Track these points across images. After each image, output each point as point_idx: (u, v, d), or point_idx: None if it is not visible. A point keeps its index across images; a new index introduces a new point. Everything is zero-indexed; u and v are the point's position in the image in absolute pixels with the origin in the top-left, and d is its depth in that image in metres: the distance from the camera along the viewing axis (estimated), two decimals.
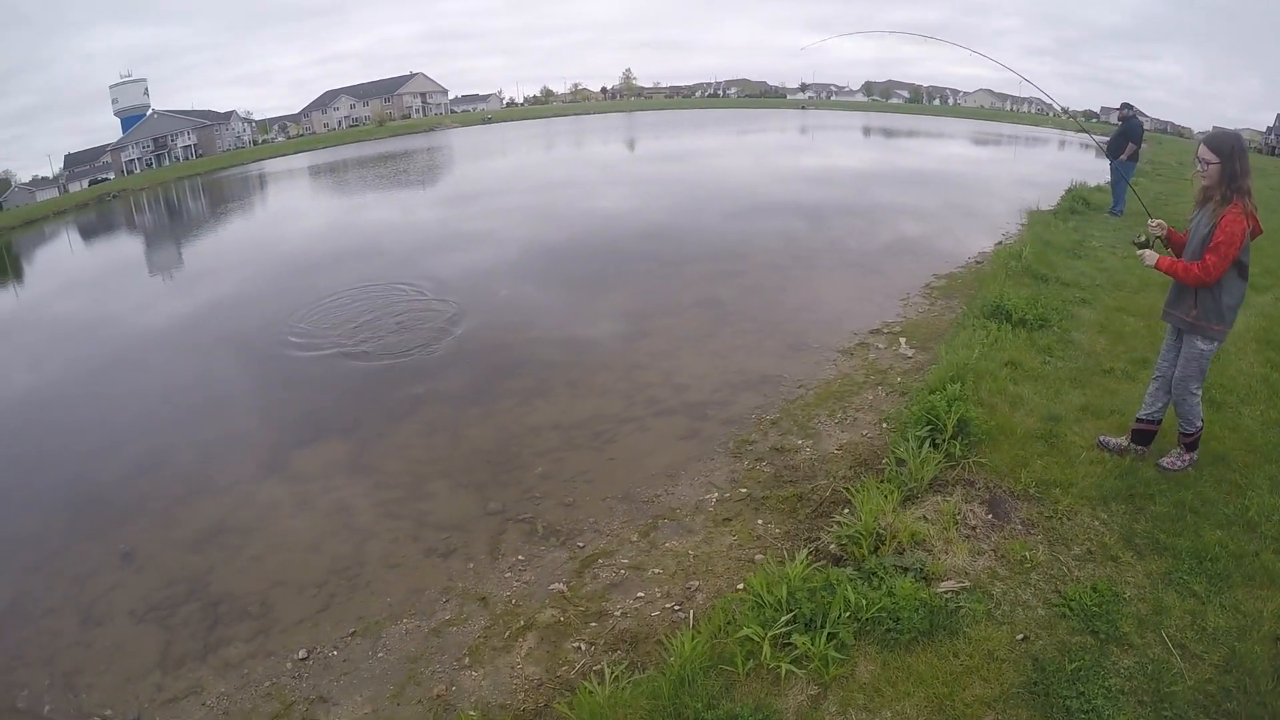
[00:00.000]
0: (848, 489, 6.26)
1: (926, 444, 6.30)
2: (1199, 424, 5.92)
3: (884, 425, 7.73)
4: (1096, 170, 23.65)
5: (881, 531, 5.40)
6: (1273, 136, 64.78)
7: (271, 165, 63.94)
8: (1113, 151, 17.61)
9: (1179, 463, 6.07)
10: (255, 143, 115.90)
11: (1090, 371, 8.11)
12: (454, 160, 51.60)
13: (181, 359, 12.35)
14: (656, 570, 5.87)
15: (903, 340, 10.19)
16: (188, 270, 22.05)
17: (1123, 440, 6.36)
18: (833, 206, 22.36)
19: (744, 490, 6.95)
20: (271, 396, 10.17)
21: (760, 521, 6.40)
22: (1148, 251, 5.59)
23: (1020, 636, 4.46)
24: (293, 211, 32.69)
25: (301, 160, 65.04)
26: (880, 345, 10.19)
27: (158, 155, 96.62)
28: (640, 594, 5.64)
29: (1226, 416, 6.92)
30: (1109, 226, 16.52)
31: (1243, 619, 4.37)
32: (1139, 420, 6.22)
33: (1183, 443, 6.07)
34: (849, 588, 4.70)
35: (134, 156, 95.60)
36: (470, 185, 35.09)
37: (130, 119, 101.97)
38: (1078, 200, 19.02)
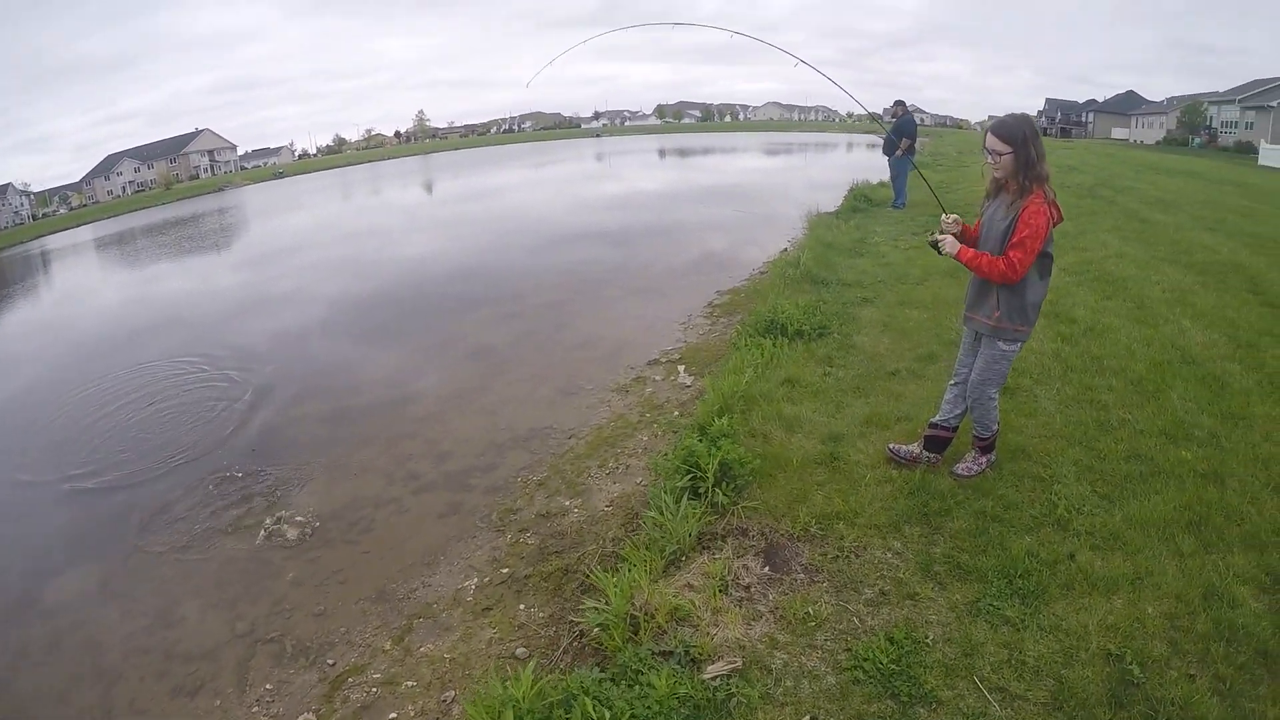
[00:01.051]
0: (617, 554, 5.51)
1: (686, 497, 5.39)
2: (995, 427, 5.36)
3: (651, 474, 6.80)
4: (881, 167, 23.87)
5: (637, 613, 4.45)
6: (1043, 119, 69.06)
7: (54, 241, 59.05)
8: (889, 148, 17.78)
9: (975, 467, 5.47)
10: (35, 217, 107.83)
11: (874, 376, 7.45)
12: (249, 219, 48.76)
13: None
14: (410, 683, 5.00)
15: (681, 368, 9.33)
16: None
17: (914, 447, 5.68)
18: (635, 229, 21.81)
19: (505, 570, 6.03)
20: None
21: (523, 606, 5.52)
22: (949, 238, 4.90)
23: (807, 718, 3.65)
24: (80, 290, 29.63)
25: (86, 233, 60.43)
26: (657, 377, 9.30)
27: None
28: (393, 715, 4.77)
29: (1021, 402, 6.42)
30: (891, 220, 16.44)
31: (1066, 640, 3.88)
32: (933, 425, 5.55)
33: (977, 446, 5.47)
34: (589, 700, 3.70)
35: None
36: (269, 244, 32.86)
37: None
38: (860, 199, 19.03)
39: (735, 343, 8.84)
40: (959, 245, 4.80)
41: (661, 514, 5.26)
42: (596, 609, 4.66)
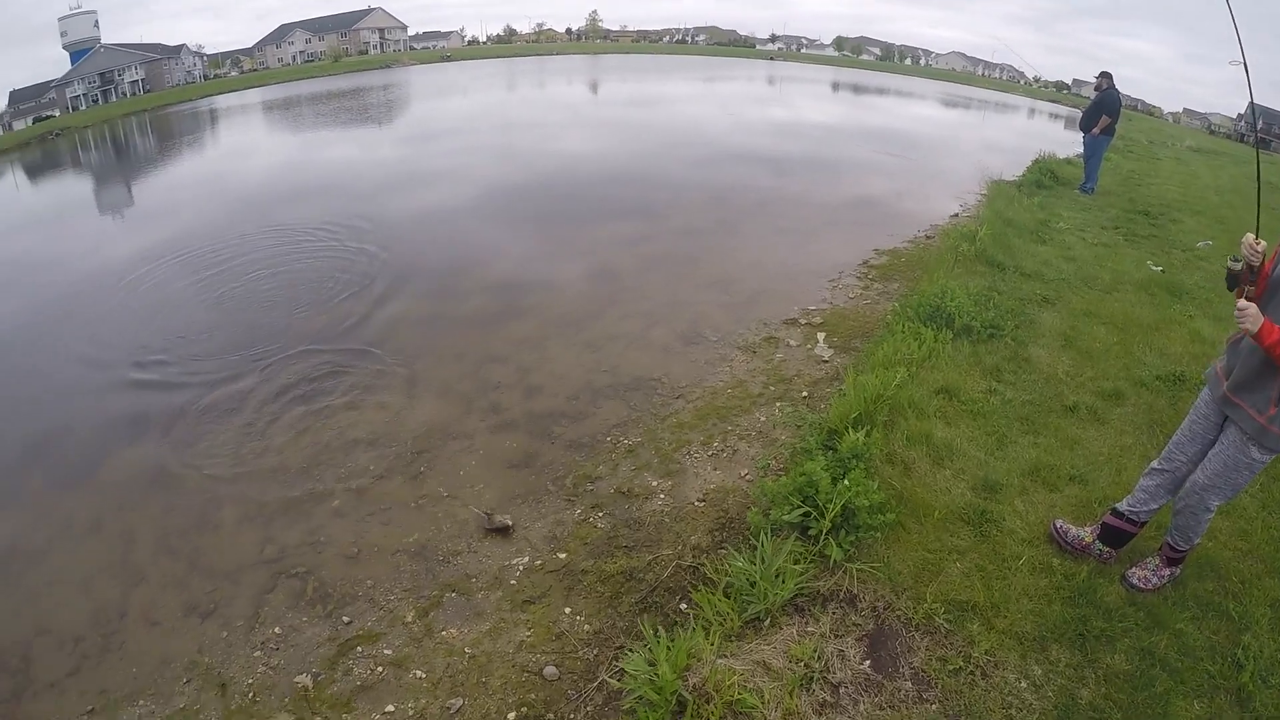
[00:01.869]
0: (695, 570, 4.67)
1: (792, 539, 4.37)
2: (1198, 541, 4.17)
3: (769, 461, 5.83)
4: (1066, 142, 21.46)
5: (688, 694, 3.54)
6: (1243, 124, 63.25)
7: (223, 100, 60.43)
8: (1086, 123, 15.61)
9: (1156, 580, 4.29)
10: (206, 77, 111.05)
11: (1047, 407, 6.18)
12: (411, 98, 48.76)
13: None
14: (419, 673, 4.28)
15: (821, 336, 8.12)
16: (132, 211, 19.59)
17: (1086, 533, 4.50)
18: (795, 159, 20.14)
19: (563, 556, 5.15)
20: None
21: (568, 610, 4.66)
22: (1250, 309, 3.42)
23: None
24: (243, 149, 30.28)
25: (254, 96, 61.79)
26: (792, 341, 8.11)
27: (104, 91, 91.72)
28: (390, 708, 4.09)
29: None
30: (1078, 205, 14.42)
31: None
32: (1117, 515, 4.36)
33: (1166, 555, 4.27)
34: None
35: (80, 92, 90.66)
36: (426, 124, 32.62)
37: (79, 53, 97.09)
38: (1045, 173, 16.82)
39: (890, 325, 7.57)
40: (1263, 319, 3.39)
41: (752, 562, 4.20)
42: (638, 670, 3.71)
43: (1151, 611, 4.09)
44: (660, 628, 3.93)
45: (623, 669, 3.83)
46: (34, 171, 32.40)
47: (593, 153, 21.07)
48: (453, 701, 4.06)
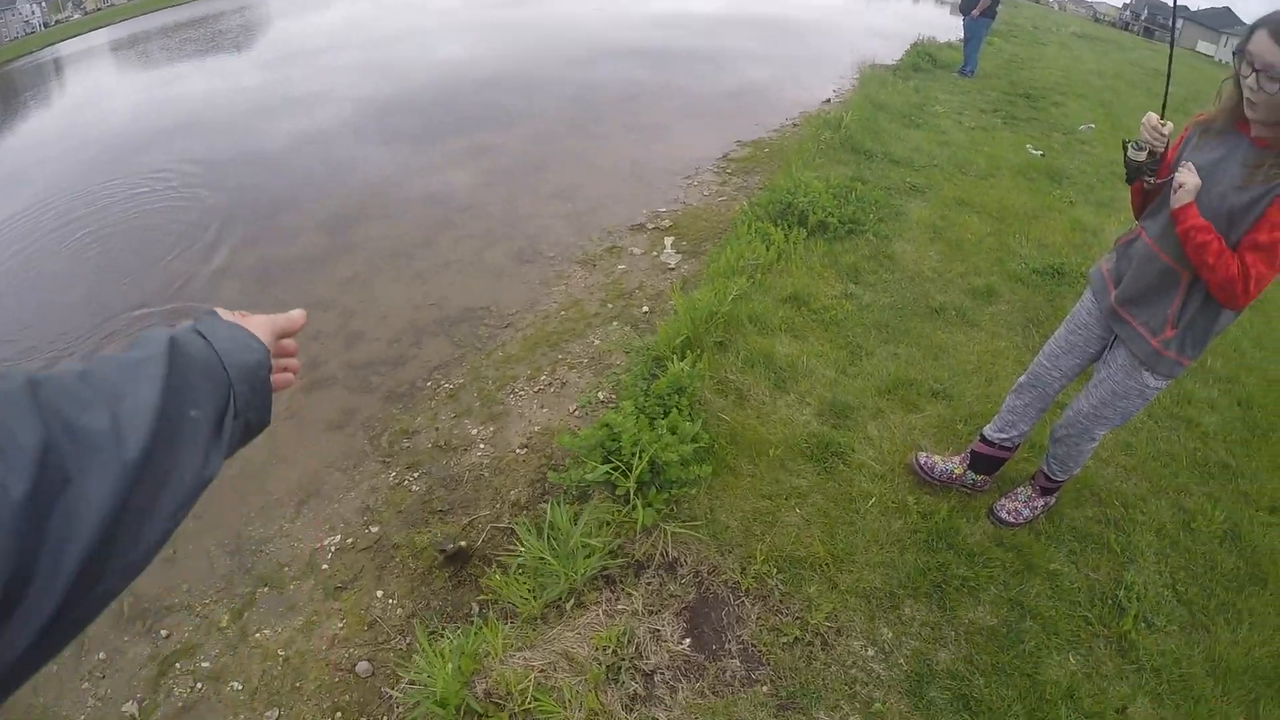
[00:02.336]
0: (512, 533, 3.99)
1: (598, 500, 3.68)
2: (1076, 471, 3.55)
3: (599, 393, 5.06)
4: (949, 27, 20.73)
5: (479, 703, 2.90)
6: (1128, 13, 63.46)
7: (67, 48, 56.21)
8: (966, 5, 14.92)
9: (1027, 511, 3.69)
10: (47, 25, 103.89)
11: (911, 310, 5.50)
12: (271, 18, 45.84)
13: None
14: (236, 684, 3.84)
15: (668, 241, 7.28)
16: None
17: (954, 465, 3.86)
18: (671, 52, 18.88)
19: (375, 529, 4.51)
20: None
21: (380, 594, 4.12)
22: (1188, 179, 2.63)
23: None
24: (90, 98, 27.95)
25: (100, 37, 57.61)
26: (636, 249, 7.25)
27: None
28: None
29: None
30: (957, 89, 13.75)
31: None
32: (987, 442, 3.73)
33: (1039, 484, 3.67)
34: None
35: None
36: (290, 46, 30.30)
37: None
38: (923, 56, 16.07)
39: (736, 226, 6.72)
40: (1191, 199, 2.63)
41: (546, 539, 3.42)
42: (420, 679, 3.02)
43: (1022, 551, 3.50)
44: (443, 626, 3.46)
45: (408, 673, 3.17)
46: None
47: (461, 59, 19.66)
48: (269, 713, 3.64)
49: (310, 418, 5.67)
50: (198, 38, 38.49)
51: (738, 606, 3.28)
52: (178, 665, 4.03)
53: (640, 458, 3.40)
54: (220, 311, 1.02)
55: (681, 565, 3.44)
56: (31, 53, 63.03)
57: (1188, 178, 2.60)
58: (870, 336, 5.04)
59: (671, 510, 3.61)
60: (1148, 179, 2.84)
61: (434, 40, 24.23)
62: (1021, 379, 3.53)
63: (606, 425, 3.57)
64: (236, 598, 4.35)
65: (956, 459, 3.84)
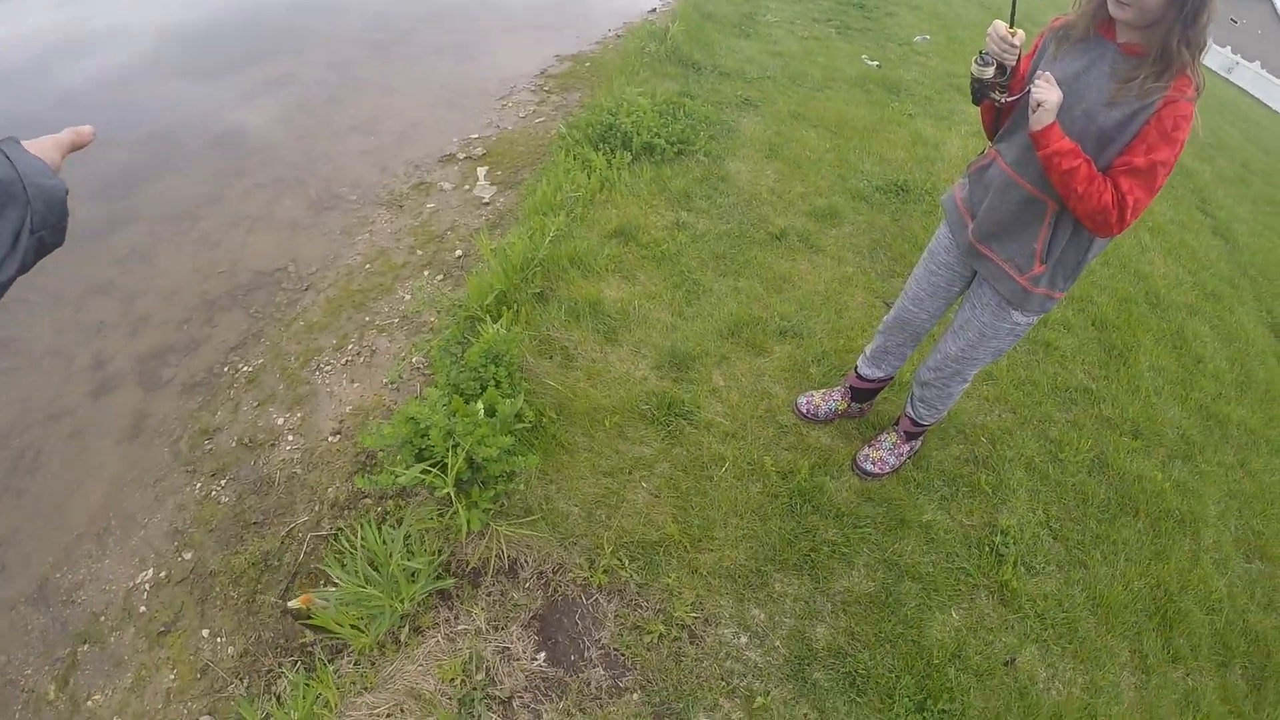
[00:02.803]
0: (334, 540, 3.55)
1: (417, 503, 3.25)
2: (944, 413, 3.26)
3: (413, 358, 4.50)
4: None
5: None
6: None
7: None
8: None
9: (893, 459, 3.41)
10: None
11: (749, 238, 5.06)
12: None
13: None
14: None
15: (481, 172, 6.62)
16: None
17: (836, 401, 3.61)
18: None
19: (188, 555, 3.90)
20: None
21: (207, 632, 3.59)
22: (1048, 95, 2.21)
23: None
24: None
25: None
26: (447, 185, 6.56)
27: None
28: None
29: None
30: None
31: None
32: (862, 378, 3.45)
33: (904, 429, 3.37)
34: None
35: None
36: None
37: None
38: None
39: (553, 155, 6.12)
40: (1053, 117, 2.21)
41: (361, 566, 2.92)
42: None
43: (892, 505, 3.23)
44: (279, 663, 3.09)
45: None
46: None
47: None
48: None
49: (99, 430, 4.90)
50: None
51: (592, 607, 2.88)
52: None
53: (455, 453, 2.87)
54: (22, 142, 1.06)
55: (522, 568, 3.00)
56: None
57: (1048, 93, 2.19)
58: (707, 271, 4.61)
59: (501, 506, 3.13)
60: (997, 97, 2.44)
61: None
62: (888, 318, 3.21)
63: (412, 419, 3.01)
64: (58, 662, 3.75)
65: (837, 393, 3.55)
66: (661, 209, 5.28)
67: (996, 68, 2.36)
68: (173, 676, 3.47)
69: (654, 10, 12.14)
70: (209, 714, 3.29)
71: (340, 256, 5.84)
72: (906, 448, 3.36)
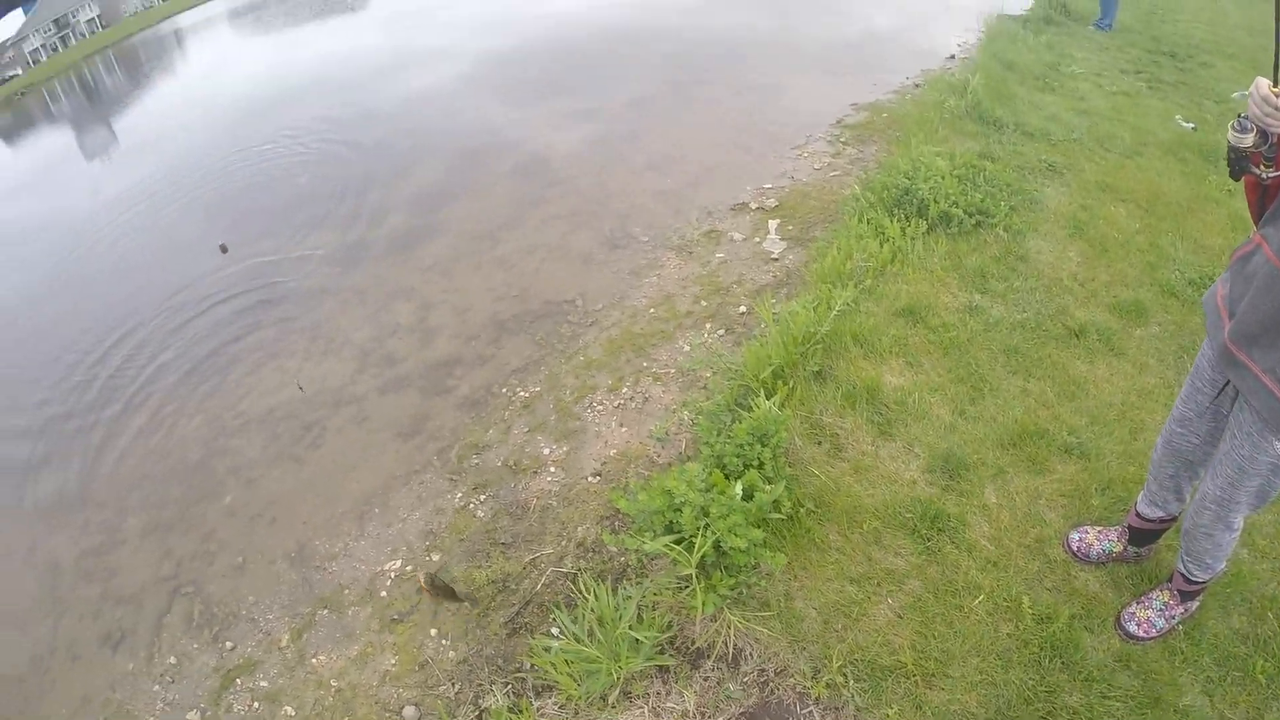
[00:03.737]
0: (573, 580, 3.68)
1: (657, 576, 3.24)
2: (1222, 567, 2.77)
3: (683, 413, 4.43)
4: None
5: None
6: None
7: (185, 19, 58.38)
8: None
9: (1162, 622, 2.92)
10: None
11: (1046, 332, 4.61)
12: None
13: None
14: (290, 709, 3.69)
15: (773, 225, 6.54)
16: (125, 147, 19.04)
17: (1112, 543, 3.18)
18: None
19: (436, 558, 4.21)
20: None
21: (434, 632, 3.81)
22: None
23: None
24: (215, 65, 29.20)
25: (218, 6, 59.44)
26: (737, 235, 6.55)
27: (62, 38, 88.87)
28: None
29: None
30: (1094, 45, 12.19)
31: None
32: (1142, 517, 3.03)
33: (1176, 587, 2.90)
34: None
35: (37, 45, 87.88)
36: (405, 2, 30.39)
37: (29, 5, 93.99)
38: (1056, 5, 14.50)
39: (845, 218, 5.93)
40: None
41: (586, 626, 2.95)
42: None
43: (1150, 677, 2.79)
44: (492, 681, 3.26)
45: None
46: (8, 135, 31.39)
47: (572, 10, 19.06)
48: None
49: (382, 422, 5.39)
50: (315, 1, 38.94)
51: (805, 718, 2.71)
52: (238, 681, 3.92)
53: (704, 535, 2.83)
54: None
55: (745, 661, 2.93)
56: (151, 26, 65.51)
57: None
58: (996, 365, 4.27)
59: (740, 593, 3.04)
60: (1261, 172, 2.03)
61: None
62: (1158, 445, 2.80)
63: (668, 492, 3.00)
64: (298, 617, 4.18)
65: (1114, 533, 3.15)
66: (954, 288, 4.98)
67: (1258, 134, 1.98)
68: (393, 661, 3.71)
69: (953, 57, 11.58)
70: (414, 705, 3.46)
71: (627, 297, 5.98)
72: (1180, 609, 2.90)
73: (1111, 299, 4.90)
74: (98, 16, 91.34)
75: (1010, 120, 7.80)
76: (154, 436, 5.99)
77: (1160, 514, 2.94)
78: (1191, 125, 8.30)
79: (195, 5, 72.21)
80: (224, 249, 8.25)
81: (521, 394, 5.20)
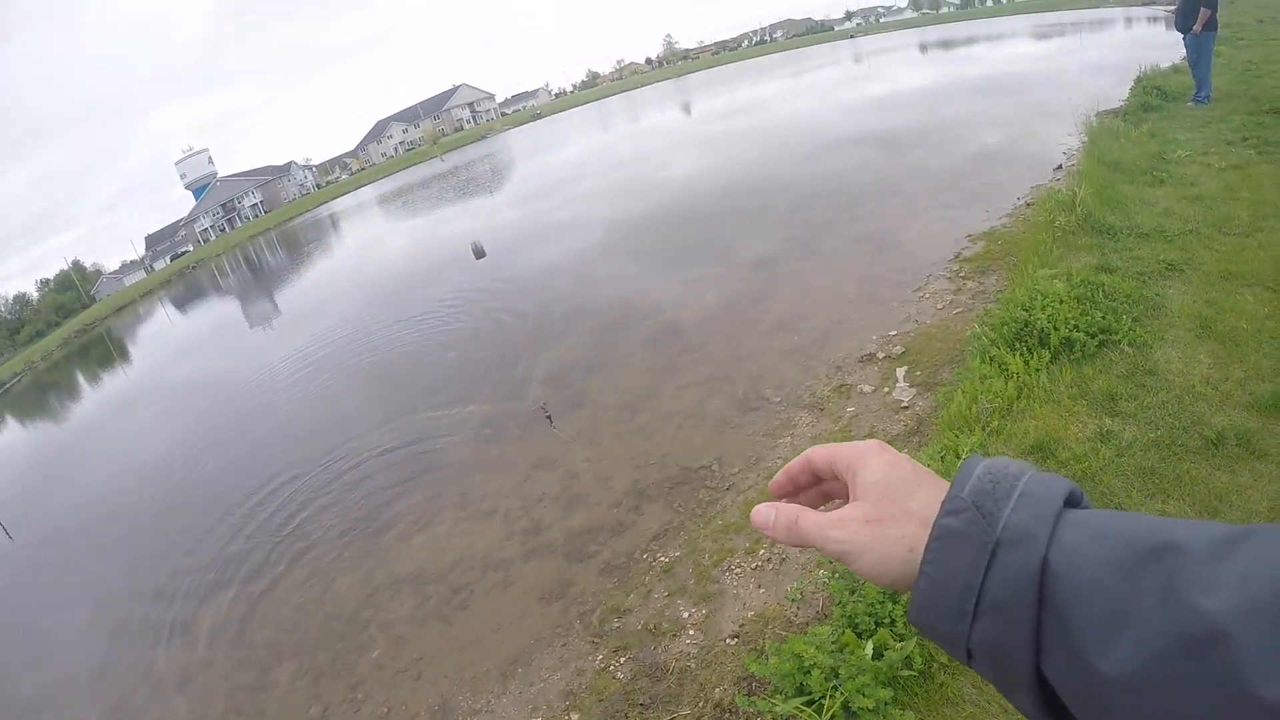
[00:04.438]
0: None
1: None
2: None
3: (819, 573, 4.54)
4: (1170, 44, 18.53)
5: None
6: None
7: (339, 204, 65.14)
8: (1183, 22, 13.09)
9: None
10: (319, 186, 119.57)
11: (1181, 446, 4.48)
12: (515, 161, 50.24)
13: None
14: None
15: (900, 373, 6.72)
16: (286, 316, 21.74)
17: None
18: (896, 133, 18.77)
19: (575, 717, 4.39)
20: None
21: None
22: None
23: None
24: (366, 242, 32.71)
25: (367, 193, 65.83)
26: (866, 387, 6.75)
27: (228, 219, 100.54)
28: None
29: None
30: (1194, 121, 11.92)
31: None
32: None
33: None
34: None
35: (206, 225, 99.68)
36: (534, 183, 32.72)
37: (199, 189, 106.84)
38: (1150, 91, 14.26)
39: (968, 359, 6.06)
40: None
41: None
42: None
43: None
44: None
45: None
46: (181, 303, 34.49)
47: (693, 173, 20.27)
48: None
49: (526, 587, 5.73)
50: (454, 185, 42.60)
51: None
52: None
53: (833, 696, 2.97)
54: None
55: None
56: (309, 210, 72.01)
57: None
58: (1133, 490, 4.21)
59: None
60: None
61: (667, 158, 25.08)
62: None
63: (797, 655, 3.17)
64: None
65: None
66: (1083, 415, 4.97)
67: None
68: None
69: (1060, 166, 11.72)
70: None
71: (762, 459, 6.20)
72: None
73: (1248, 397, 4.76)
74: (260, 202, 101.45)
75: (1122, 225, 7.80)
76: (311, 589, 6.58)
77: None
78: None
79: (348, 191, 78.78)
80: (479, 253, 9.11)
81: (661, 559, 5.43)
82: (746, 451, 6.39)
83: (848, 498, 0.76)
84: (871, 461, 0.74)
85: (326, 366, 12.51)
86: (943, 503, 0.65)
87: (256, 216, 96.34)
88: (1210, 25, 12.74)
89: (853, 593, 3.69)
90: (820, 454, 0.80)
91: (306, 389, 11.70)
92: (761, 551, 5.08)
